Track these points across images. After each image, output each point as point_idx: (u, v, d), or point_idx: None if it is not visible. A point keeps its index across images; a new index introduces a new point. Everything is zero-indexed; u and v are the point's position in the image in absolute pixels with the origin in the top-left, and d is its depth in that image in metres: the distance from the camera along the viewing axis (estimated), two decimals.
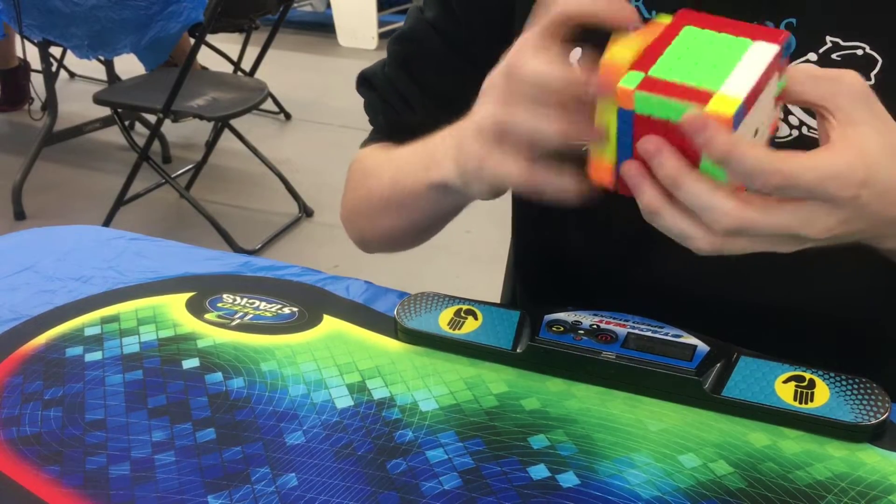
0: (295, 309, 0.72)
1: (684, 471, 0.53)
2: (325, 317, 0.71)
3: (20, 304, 0.74)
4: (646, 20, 0.63)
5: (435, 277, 2.30)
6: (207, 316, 0.72)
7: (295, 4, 4.45)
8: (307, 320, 0.71)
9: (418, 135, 0.64)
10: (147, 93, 2.55)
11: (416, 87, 0.73)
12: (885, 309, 0.70)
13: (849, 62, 0.59)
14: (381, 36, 4.80)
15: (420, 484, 0.52)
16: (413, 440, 0.56)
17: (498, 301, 0.84)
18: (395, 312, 0.68)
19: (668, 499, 0.51)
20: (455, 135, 0.56)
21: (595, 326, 0.64)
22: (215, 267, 0.81)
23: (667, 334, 0.63)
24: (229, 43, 3.57)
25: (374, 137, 0.79)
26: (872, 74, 0.59)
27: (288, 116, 3.66)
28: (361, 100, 0.79)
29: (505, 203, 0.75)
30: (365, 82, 0.78)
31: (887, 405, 0.56)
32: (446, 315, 0.68)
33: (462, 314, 0.68)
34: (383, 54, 0.78)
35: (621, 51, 0.46)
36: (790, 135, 0.61)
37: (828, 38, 0.60)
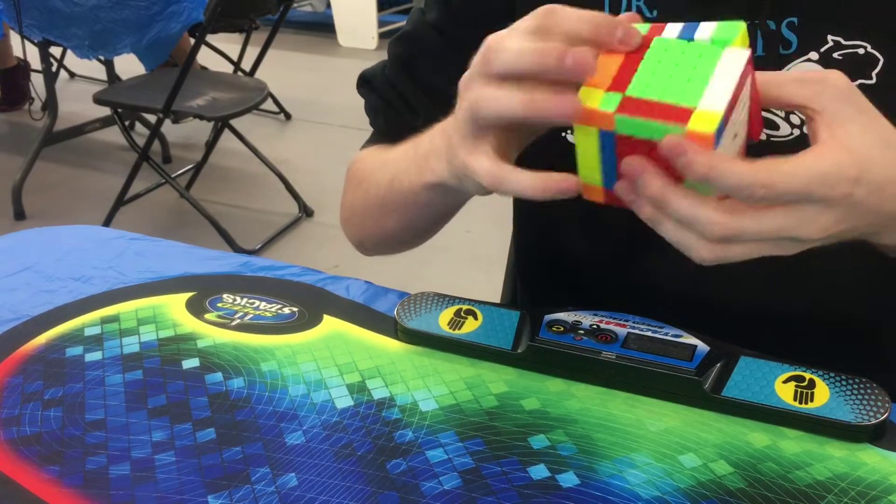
0: (295, 309, 0.72)
1: (684, 471, 0.53)
2: (325, 317, 0.71)
3: (20, 304, 0.74)
4: (647, 19, 0.64)
5: (435, 277, 2.30)
6: (207, 316, 0.72)
7: (295, 4, 4.45)
8: (307, 320, 0.71)
9: None
10: (147, 93, 2.55)
11: (417, 89, 0.73)
12: (885, 309, 0.70)
13: (850, 61, 0.60)
14: (381, 36, 4.80)
15: (420, 484, 0.52)
16: (413, 440, 0.56)
17: (498, 301, 0.84)
18: (395, 312, 0.68)
19: (668, 499, 0.51)
20: (443, 130, 0.56)
21: (595, 326, 0.64)
22: (215, 267, 0.81)
23: (667, 334, 0.63)
24: (229, 43, 3.57)
25: (373, 139, 0.79)
26: (874, 73, 0.59)
27: (288, 116, 3.66)
28: (362, 100, 0.79)
29: (505, 203, 0.75)
30: (365, 83, 0.78)
31: (887, 405, 0.56)
32: (446, 315, 0.68)
33: (462, 314, 0.68)
34: (383, 54, 0.78)
35: (599, 69, 0.45)
36: (791, 134, 0.62)
37: (829, 38, 0.60)
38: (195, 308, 0.73)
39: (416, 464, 0.54)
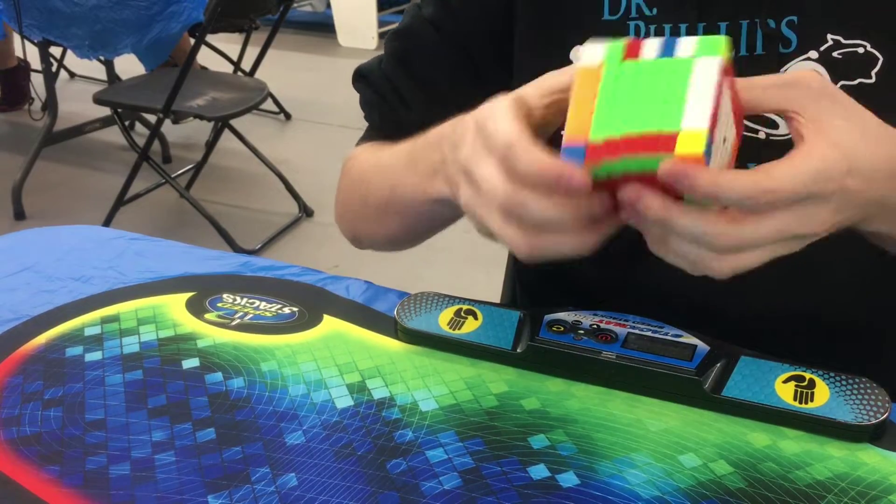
0: (295, 309, 0.72)
1: (684, 471, 0.53)
2: (325, 317, 0.71)
3: (20, 304, 0.74)
4: (647, 17, 0.64)
5: (435, 277, 2.30)
6: (207, 316, 0.72)
7: (295, 4, 4.45)
8: (307, 320, 0.71)
9: (414, 133, 0.64)
10: (147, 93, 2.55)
11: (413, 84, 0.73)
12: (884, 309, 0.70)
13: (849, 60, 0.60)
14: (381, 36, 4.79)
15: (420, 484, 0.52)
16: (413, 440, 0.56)
17: (498, 301, 0.84)
18: (395, 312, 0.68)
19: (668, 499, 0.51)
20: (441, 148, 0.56)
21: (595, 326, 0.64)
22: (215, 267, 0.81)
23: (667, 334, 0.63)
24: (229, 43, 3.57)
25: (369, 135, 0.79)
26: (873, 72, 0.59)
27: (288, 116, 3.66)
28: None
29: None
30: (361, 78, 0.78)
31: (887, 405, 0.56)
32: (446, 315, 0.68)
33: (462, 314, 0.68)
34: None
35: (577, 118, 0.44)
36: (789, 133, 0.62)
37: (829, 37, 0.60)
38: (195, 308, 0.73)
39: (416, 464, 0.54)
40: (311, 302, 0.73)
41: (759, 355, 0.61)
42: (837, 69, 0.60)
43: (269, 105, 3.44)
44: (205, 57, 3.16)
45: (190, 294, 0.75)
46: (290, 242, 2.63)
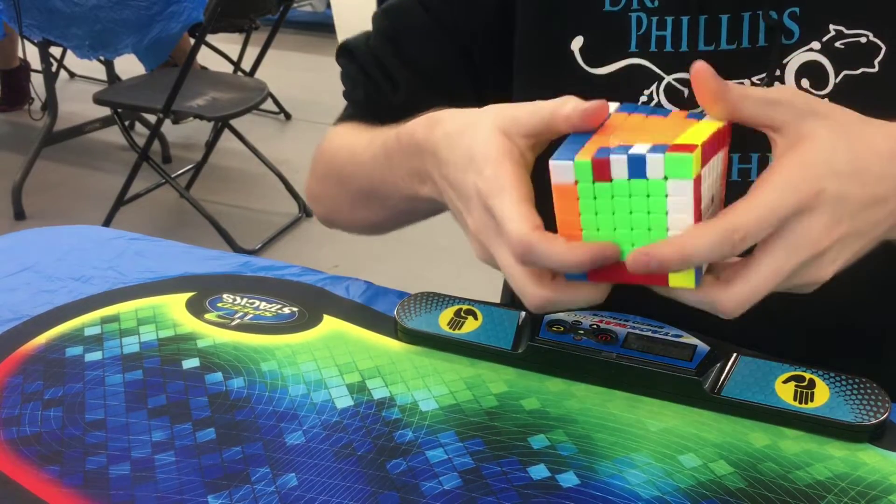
0: (295, 309, 0.72)
1: (684, 471, 0.53)
2: (325, 317, 0.71)
3: (20, 304, 0.74)
4: (648, 9, 0.64)
5: (435, 277, 2.30)
6: (207, 316, 0.72)
7: (295, 4, 4.45)
8: (307, 320, 0.71)
9: (397, 116, 0.63)
10: (147, 93, 2.55)
11: (400, 63, 0.73)
12: (885, 309, 0.69)
13: (852, 50, 0.60)
14: None
15: (420, 484, 0.52)
16: (413, 440, 0.56)
17: (498, 301, 0.84)
18: (395, 312, 0.68)
19: (668, 499, 0.51)
20: (423, 161, 0.56)
21: (595, 326, 0.64)
22: (215, 267, 0.81)
23: (667, 334, 0.63)
24: (229, 43, 3.57)
25: (348, 114, 0.78)
26: (876, 62, 0.59)
27: (288, 116, 3.66)
28: None
29: None
30: (346, 53, 0.78)
31: (887, 405, 0.56)
32: (446, 315, 0.68)
33: (462, 314, 0.68)
34: None
35: (567, 231, 0.47)
36: None
37: (831, 27, 0.60)
38: (195, 308, 0.73)
39: (416, 464, 0.54)
40: (311, 302, 0.73)
41: (759, 355, 0.61)
42: (840, 59, 0.60)
43: (269, 105, 3.44)
44: (205, 57, 3.16)
45: (190, 294, 0.75)
46: (290, 242, 2.63)
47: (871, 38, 0.59)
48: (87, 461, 0.55)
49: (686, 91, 0.64)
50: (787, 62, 0.61)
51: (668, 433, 0.57)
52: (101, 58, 2.86)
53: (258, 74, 3.19)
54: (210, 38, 2.94)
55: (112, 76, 3.15)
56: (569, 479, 0.53)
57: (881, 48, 0.59)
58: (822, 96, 0.61)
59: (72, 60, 3.37)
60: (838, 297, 0.67)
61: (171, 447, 0.56)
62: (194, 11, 2.55)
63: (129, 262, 0.81)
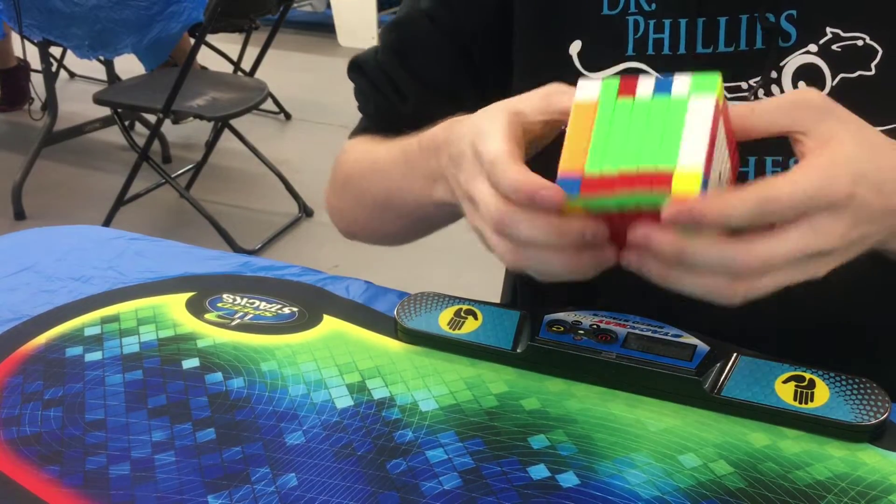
0: (295, 309, 0.72)
1: (684, 471, 0.53)
2: (325, 317, 0.71)
3: (20, 304, 0.74)
4: (646, 12, 0.64)
5: (435, 277, 2.30)
6: (207, 316, 0.72)
7: (295, 4, 4.45)
8: (307, 320, 0.71)
9: (409, 126, 0.64)
10: (147, 93, 2.55)
11: (409, 76, 0.73)
12: (885, 309, 0.69)
13: (849, 53, 0.60)
14: None
15: (420, 484, 0.52)
16: (413, 440, 0.56)
17: (498, 301, 0.84)
18: (395, 312, 0.68)
19: (668, 499, 0.51)
20: (438, 157, 0.57)
21: (595, 326, 0.64)
22: (215, 267, 0.81)
23: (667, 334, 0.63)
24: (229, 43, 3.57)
25: (363, 127, 0.79)
26: (873, 65, 0.59)
27: (288, 116, 3.66)
28: None
29: None
30: (356, 68, 0.78)
31: (887, 405, 0.56)
32: (446, 315, 0.68)
33: (462, 314, 0.68)
34: None
35: (573, 150, 0.45)
36: None
37: (828, 30, 0.60)
38: (195, 308, 0.73)
39: (416, 464, 0.54)
40: (311, 302, 0.73)
41: (759, 355, 0.61)
42: (837, 62, 0.60)
43: (269, 105, 3.44)
44: (205, 57, 3.16)
45: (190, 294, 0.75)
46: (290, 242, 2.63)
47: (868, 40, 0.59)
48: (87, 461, 0.55)
49: None
50: (785, 65, 0.61)
51: (668, 433, 0.57)
52: (101, 58, 2.86)
53: (258, 74, 3.19)
54: (210, 38, 2.94)
55: (112, 76, 3.15)
56: (569, 479, 0.53)
57: (878, 51, 0.59)
58: None
59: (72, 60, 3.37)
60: (837, 298, 0.67)
61: (171, 447, 0.56)
62: (194, 11, 2.55)
63: (129, 262, 0.81)
